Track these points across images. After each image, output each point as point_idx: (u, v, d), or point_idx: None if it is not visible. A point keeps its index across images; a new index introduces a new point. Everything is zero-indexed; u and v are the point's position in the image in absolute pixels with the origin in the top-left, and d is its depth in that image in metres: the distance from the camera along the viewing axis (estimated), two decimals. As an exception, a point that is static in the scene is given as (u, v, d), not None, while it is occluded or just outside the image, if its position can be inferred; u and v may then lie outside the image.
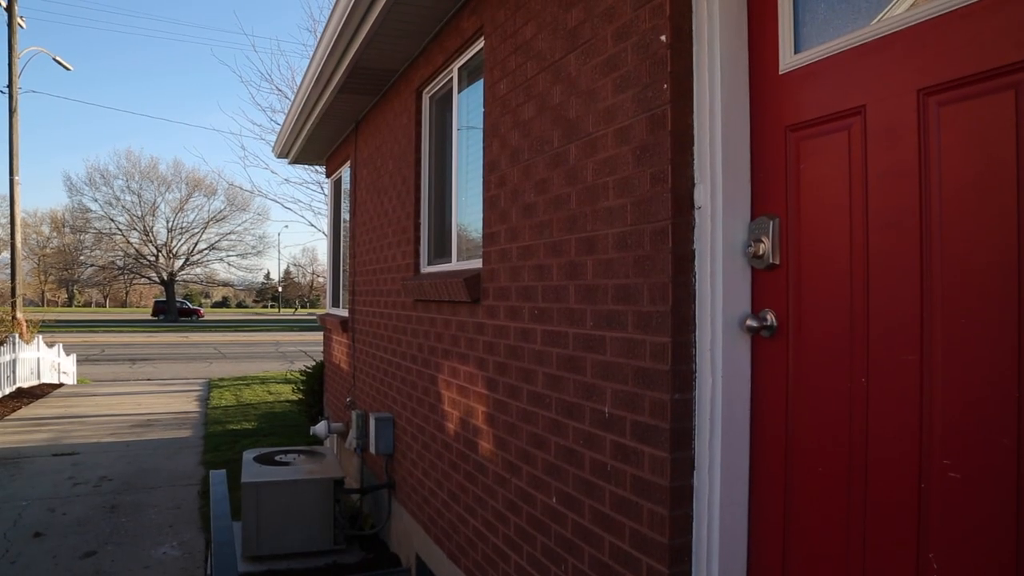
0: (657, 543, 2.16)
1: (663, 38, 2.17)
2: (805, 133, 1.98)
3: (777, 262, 2.05)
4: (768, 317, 2.07)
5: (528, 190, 3.02)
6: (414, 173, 4.73)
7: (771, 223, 2.05)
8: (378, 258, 5.66)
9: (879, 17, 1.81)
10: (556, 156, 2.79)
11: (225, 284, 73.24)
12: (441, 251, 4.49)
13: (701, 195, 2.14)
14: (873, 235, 1.79)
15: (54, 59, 20.41)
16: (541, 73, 2.94)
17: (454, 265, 4.12)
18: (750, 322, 2.09)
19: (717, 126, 2.11)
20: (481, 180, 3.59)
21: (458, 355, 3.79)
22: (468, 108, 4.10)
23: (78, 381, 16.68)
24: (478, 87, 3.92)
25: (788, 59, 2.04)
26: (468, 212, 4.06)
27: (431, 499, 4.26)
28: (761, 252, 2.07)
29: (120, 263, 61.14)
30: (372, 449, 5.22)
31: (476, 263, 3.75)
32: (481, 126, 3.66)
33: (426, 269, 4.63)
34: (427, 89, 4.66)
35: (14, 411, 11.42)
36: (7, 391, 12.71)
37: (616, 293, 2.38)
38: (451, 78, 4.24)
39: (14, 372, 13.23)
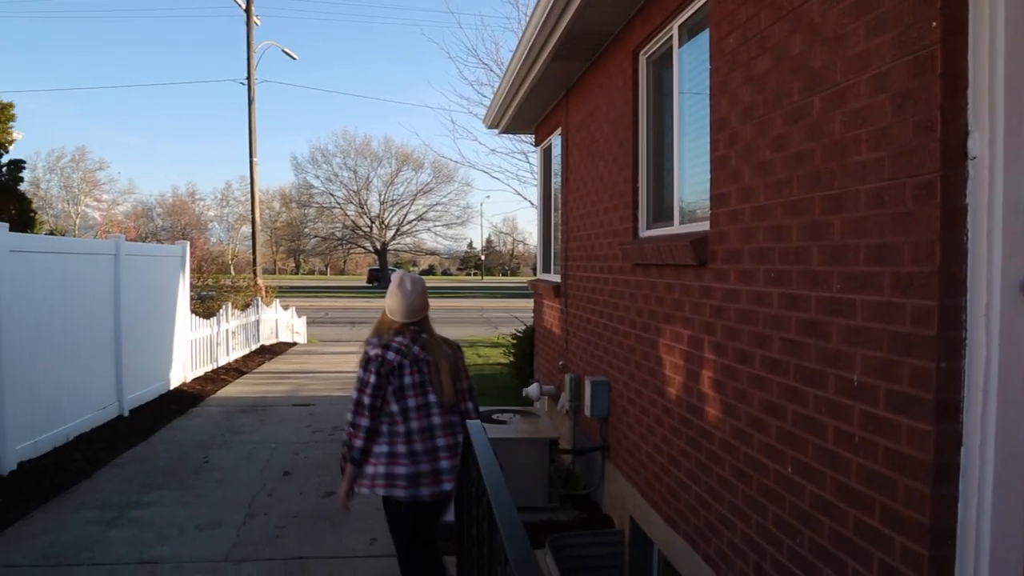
0: (915, 522, 2.01)
1: (932, -29, 1.97)
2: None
3: (1074, 217, 1.81)
4: (1060, 279, 1.84)
5: (763, 148, 2.89)
6: (631, 136, 4.69)
7: (1067, 172, 1.81)
8: (592, 223, 5.69)
9: None
10: (796, 110, 2.64)
11: (432, 253, 77.33)
12: (660, 215, 4.42)
13: (976, 144, 1.93)
14: None
15: (283, 51, 22.27)
16: (777, 23, 2.78)
17: (676, 228, 4.04)
18: (1036, 285, 1.87)
19: (999, 66, 1.88)
20: (705, 140, 3.48)
21: (681, 319, 3.73)
22: (689, 67, 3.97)
23: (308, 341, 18.39)
24: (699, 44, 3.78)
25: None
26: (689, 174, 3.96)
27: (648, 463, 4.26)
28: (1053, 206, 1.83)
29: (339, 234, 66.36)
30: (587, 412, 5.30)
31: (699, 226, 3.66)
32: (704, 85, 3.54)
33: (645, 233, 4.58)
34: (644, 50, 4.57)
35: (260, 365, 12.83)
36: (253, 348, 14.30)
37: (868, 254, 2.22)
38: (671, 36, 4.12)
39: (258, 331, 14.84)
